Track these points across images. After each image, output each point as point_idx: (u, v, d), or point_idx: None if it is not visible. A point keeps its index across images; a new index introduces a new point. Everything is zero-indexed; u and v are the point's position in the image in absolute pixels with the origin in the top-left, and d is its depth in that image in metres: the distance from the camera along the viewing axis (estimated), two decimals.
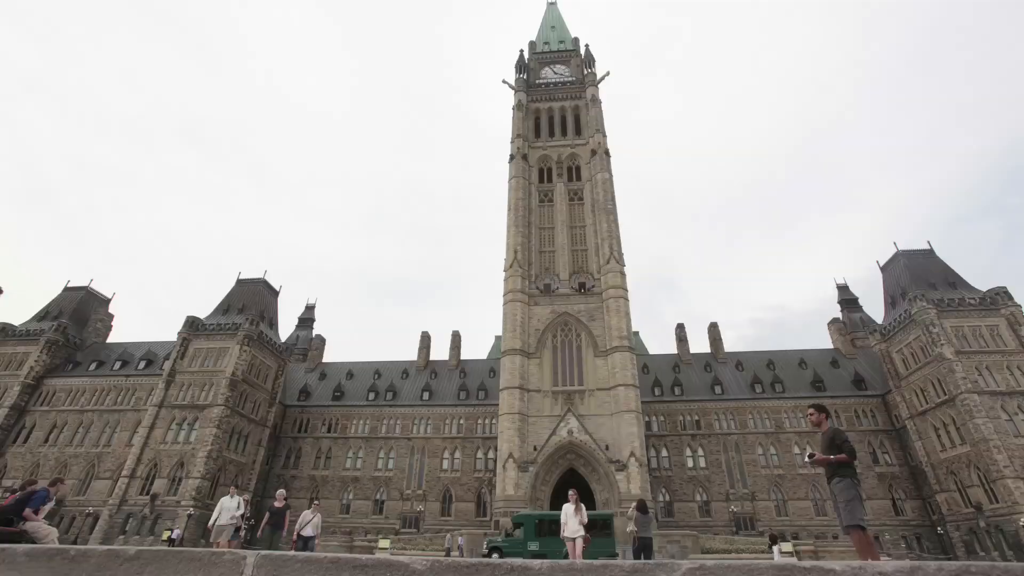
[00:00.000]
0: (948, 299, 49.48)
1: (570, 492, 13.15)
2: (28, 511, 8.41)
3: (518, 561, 1.84)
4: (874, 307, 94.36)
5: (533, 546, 22.05)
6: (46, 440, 52.83)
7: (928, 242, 57.54)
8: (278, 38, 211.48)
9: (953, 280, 53.12)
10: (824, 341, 65.06)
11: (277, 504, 14.27)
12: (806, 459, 7.62)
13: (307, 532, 13.91)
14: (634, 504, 14.96)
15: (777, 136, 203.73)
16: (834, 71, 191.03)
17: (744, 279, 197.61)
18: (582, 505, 12.76)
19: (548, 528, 22.60)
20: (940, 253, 59.47)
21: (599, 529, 25.29)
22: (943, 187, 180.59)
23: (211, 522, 13.96)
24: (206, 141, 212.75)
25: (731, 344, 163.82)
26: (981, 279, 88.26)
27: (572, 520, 12.42)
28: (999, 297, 48.57)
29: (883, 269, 59.31)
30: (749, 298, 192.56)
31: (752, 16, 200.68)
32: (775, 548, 21.40)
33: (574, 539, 12.19)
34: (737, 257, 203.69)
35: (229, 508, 14.02)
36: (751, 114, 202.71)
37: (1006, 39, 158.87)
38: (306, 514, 14.52)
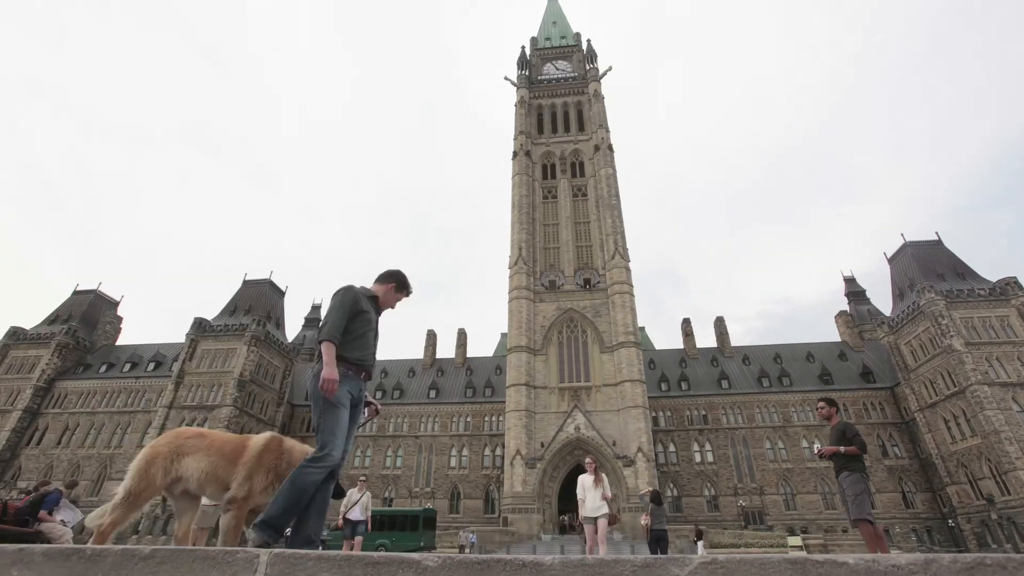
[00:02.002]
0: (957, 290, 49.01)
1: (587, 460, 10.30)
2: (43, 513, 8.54)
3: (529, 557, 1.85)
4: (882, 299, 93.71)
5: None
6: (59, 442, 53.45)
7: (936, 233, 57.10)
8: (281, 38, 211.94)
9: (962, 271, 52.60)
10: (832, 334, 64.74)
11: None
12: (815, 451, 7.62)
13: (355, 515, 11.48)
14: (648, 495, 13.05)
15: (785, 127, 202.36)
16: (842, 60, 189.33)
17: (752, 272, 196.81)
18: (603, 476, 9.88)
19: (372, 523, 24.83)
20: (950, 244, 59.06)
21: (408, 528, 26.84)
22: (953, 177, 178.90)
23: None
24: (211, 143, 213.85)
25: (740, 337, 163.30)
26: (991, 269, 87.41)
27: (591, 494, 9.55)
28: (1009, 287, 48.04)
29: (890, 261, 58.81)
30: (757, 291, 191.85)
31: (759, 5, 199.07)
32: (699, 544, 20.80)
33: (595, 519, 9.38)
34: (745, 250, 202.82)
35: None
36: (758, 105, 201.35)
37: (1016, 24, 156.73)
38: (352, 493, 11.91)
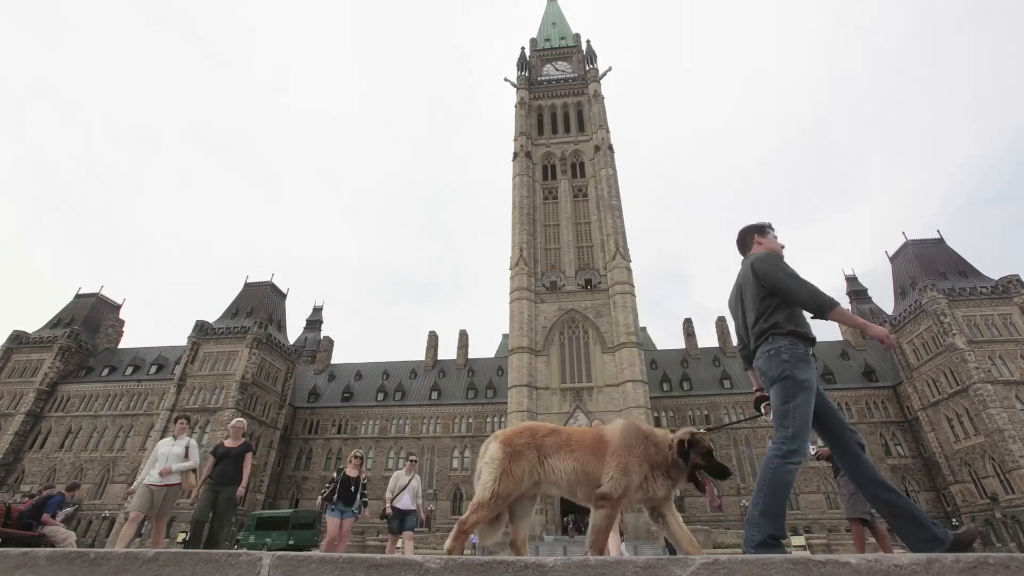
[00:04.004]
0: (959, 288, 48.95)
1: (594, 423, 7.90)
2: (46, 516, 8.58)
3: (531, 559, 1.86)
4: (884, 298, 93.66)
5: (251, 538, 26.59)
6: (62, 445, 53.56)
7: (938, 231, 57.14)
8: (285, 40, 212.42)
9: (964, 269, 52.54)
10: (834, 333, 64.72)
11: (229, 442, 8.39)
12: (811, 452, 7.57)
13: (405, 503, 9.21)
14: None
15: (787, 127, 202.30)
16: (843, 60, 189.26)
17: None
18: None
19: (266, 524, 27.89)
20: (952, 242, 58.94)
21: (304, 527, 29.13)
22: (955, 175, 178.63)
23: (135, 483, 7.89)
24: (213, 144, 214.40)
25: None
26: (993, 267, 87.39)
27: None
28: (1012, 285, 47.98)
29: (892, 259, 58.76)
30: None
31: (761, 5, 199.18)
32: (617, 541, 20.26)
33: None
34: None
35: (168, 456, 7.80)
36: (760, 106, 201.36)
37: (1016, 21, 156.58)
38: (399, 476, 9.53)
